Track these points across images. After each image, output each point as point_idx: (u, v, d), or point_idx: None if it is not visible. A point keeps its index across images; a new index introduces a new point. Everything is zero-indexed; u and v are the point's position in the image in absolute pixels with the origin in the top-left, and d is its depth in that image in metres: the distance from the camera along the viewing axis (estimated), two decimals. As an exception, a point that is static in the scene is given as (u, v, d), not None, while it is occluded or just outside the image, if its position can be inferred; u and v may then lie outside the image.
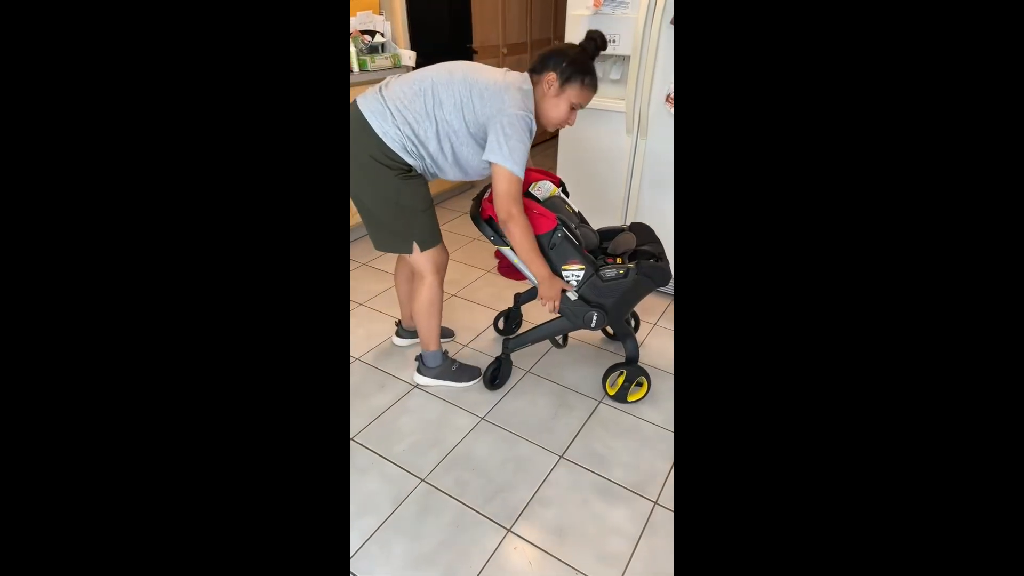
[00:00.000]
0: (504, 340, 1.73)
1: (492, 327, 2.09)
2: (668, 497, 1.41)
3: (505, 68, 1.47)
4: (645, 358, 1.93)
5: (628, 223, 1.73)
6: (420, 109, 1.37)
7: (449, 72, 1.39)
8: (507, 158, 1.33)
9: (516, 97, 1.35)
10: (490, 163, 1.36)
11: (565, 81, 1.38)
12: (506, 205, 1.37)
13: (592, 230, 1.63)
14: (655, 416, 1.67)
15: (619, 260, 1.59)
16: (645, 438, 1.59)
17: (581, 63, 1.38)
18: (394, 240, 1.54)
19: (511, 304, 2.03)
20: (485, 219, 1.53)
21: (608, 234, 1.67)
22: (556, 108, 1.42)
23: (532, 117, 1.37)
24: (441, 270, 1.60)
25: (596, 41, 1.41)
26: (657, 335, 2.07)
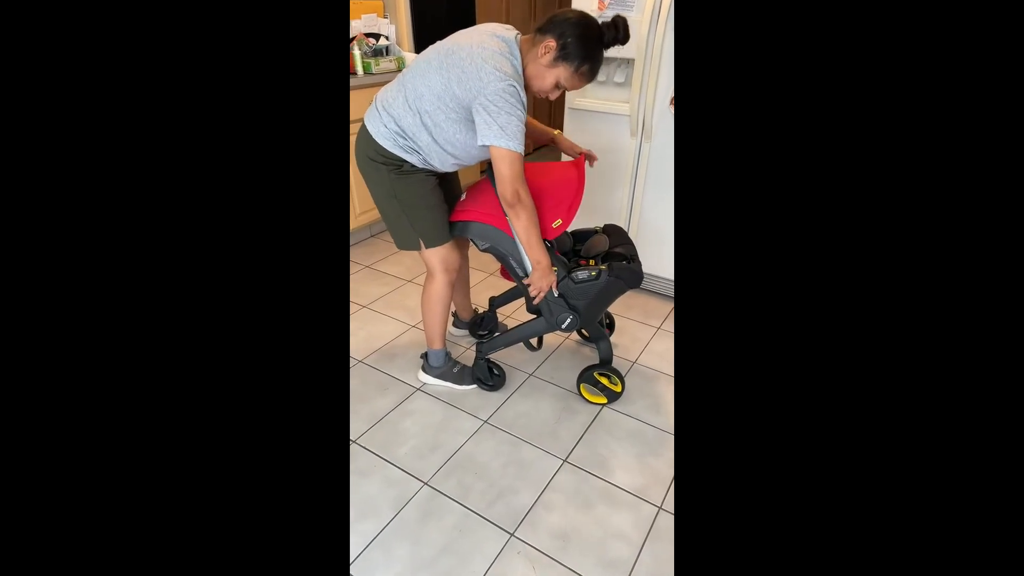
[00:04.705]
0: (477, 344, 1.74)
1: (470, 332, 2.06)
2: (672, 502, 1.39)
3: (490, 31, 1.33)
4: (649, 362, 1.92)
5: (602, 225, 1.73)
6: (401, 104, 1.38)
7: (427, 61, 1.35)
8: (500, 136, 1.26)
9: (495, 68, 1.24)
10: (487, 146, 1.29)
11: (561, 57, 1.29)
12: (513, 187, 1.32)
13: (565, 232, 1.63)
14: (659, 420, 1.66)
15: (592, 262, 1.58)
16: (648, 442, 1.58)
17: (586, 47, 1.28)
18: (405, 236, 1.55)
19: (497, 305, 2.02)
20: None
21: (581, 236, 1.67)
22: (542, 78, 1.33)
23: (518, 83, 1.27)
24: (450, 270, 1.60)
25: (618, 29, 1.29)
26: (661, 339, 2.06)
